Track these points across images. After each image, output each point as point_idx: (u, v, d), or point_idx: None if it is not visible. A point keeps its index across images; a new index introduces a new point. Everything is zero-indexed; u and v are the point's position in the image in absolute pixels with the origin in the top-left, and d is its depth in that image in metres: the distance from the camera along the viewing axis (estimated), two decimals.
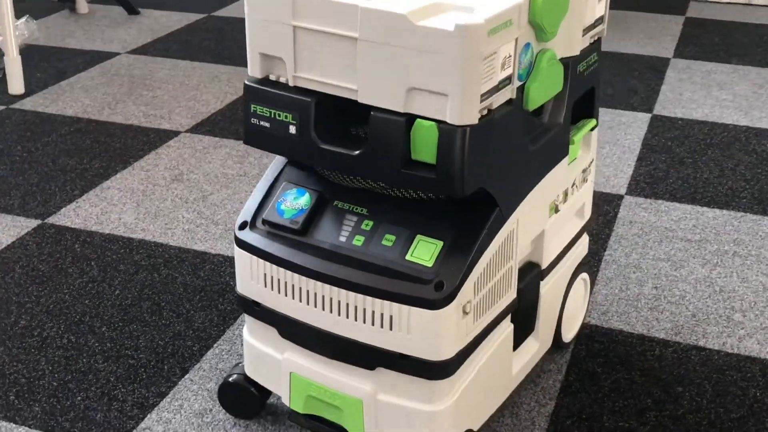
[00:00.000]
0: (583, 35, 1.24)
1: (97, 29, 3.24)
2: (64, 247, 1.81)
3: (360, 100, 1.07)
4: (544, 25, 1.10)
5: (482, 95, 1.02)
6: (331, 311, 1.14)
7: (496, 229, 1.13)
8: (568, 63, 1.22)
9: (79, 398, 1.38)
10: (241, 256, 1.21)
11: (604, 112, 2.47)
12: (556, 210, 1.30)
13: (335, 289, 1.13)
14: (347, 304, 1.13)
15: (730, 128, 2.37)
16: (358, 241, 1.14)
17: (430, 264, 1.10)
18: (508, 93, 1.08)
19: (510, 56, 1.05)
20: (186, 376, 1.43)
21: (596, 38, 1.30)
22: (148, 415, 1.35)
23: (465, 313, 1.11)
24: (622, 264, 1.75)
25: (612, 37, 3.08)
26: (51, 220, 1.92)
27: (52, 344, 1.51)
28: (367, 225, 1.15)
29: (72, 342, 1.52)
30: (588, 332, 1.54)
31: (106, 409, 1.36)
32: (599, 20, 1.28)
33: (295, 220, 1.18)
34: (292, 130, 1.12)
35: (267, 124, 1.13)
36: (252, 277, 1.21)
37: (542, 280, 1.31)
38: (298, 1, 1.06)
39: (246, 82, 1.14)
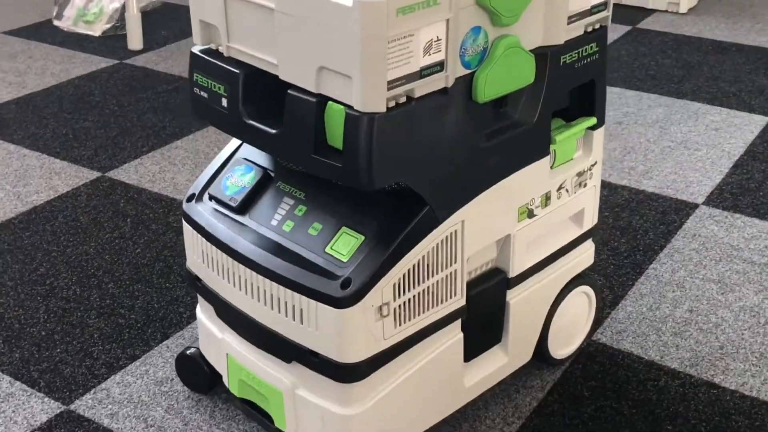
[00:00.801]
0: (570, 22, 1.10)
1: None
2: (110, 201, 1.86)
3: (280, 76, 1.00)
4: (495, 8, 0.98)
5: (392, 81, 0.92)
6: (253, 297, 1.09)
7: (425, 230, 1.03)
8: (547, 53, 1.09)
9: (57, 350, 1.41)
10: (186, 230, 1.18)
11: (716, 111, 2.23)
12: (530, 215, 1.17)
13: (257, 275, 1.07)
14: (265, 292, 1.07)
15: None
16: (288, 226, 1.08)
17: (345, 259, 1.02)
18: (441, 81, 0.97)
19: (438, 39, 0.95)
20: (164, 342, 1.43)
21: (596, 27, 1.15)
22: (112, 377, 1.36)
23: (382, 315, 1.03)
24: (664, 281, 1.57)
25: (750, 28, 2.78)
26: (110, 173, 1.97)
27: (57, 295, 1.55)
28: (301, 210, 1.09)
29: (76, 295, 1.55)
30: (592, 351, 1.40)
31: (77, 365, 1.38)
32: (599, 6, 1.13)
33: (235, 197, 1.13)
34: (224, 102, 1.06)
35: (205, 95, 1.09)
36: (194, 253, 1.18)
37: (510, 288, 1.19)
38: None
39: (191, 50, 1.11)
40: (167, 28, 2.92)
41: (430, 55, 0.94)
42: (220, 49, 1.07)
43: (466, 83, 1.01)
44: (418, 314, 1.07)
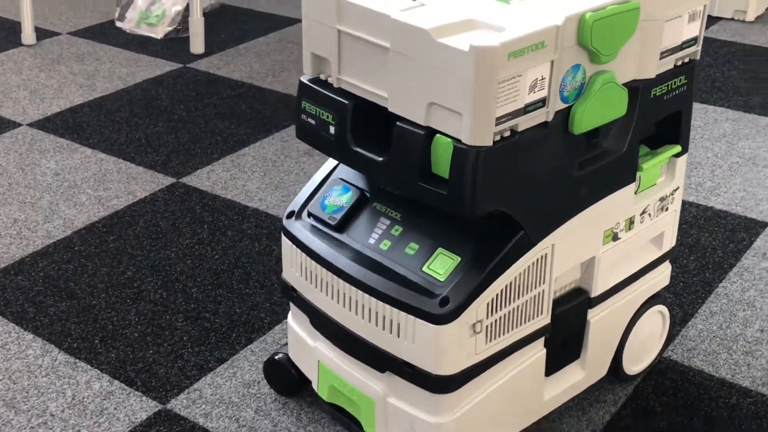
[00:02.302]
0: (662, 57, 1.19)
1: None
2: (186, 207, 1.98)
3: (389, 109, 1.10)
4: (596, 47, 1.08)
5: (500, 118, 1.02)
6: (350, 309, 1.20)
7: (519, 252, 1.13)
8: (638, 87, 1.18)
9: (150, 352, 1.53)
10: (285, 244, 1.29)
11: None
12: (615, 238, 1.26)
13: (355, 289, 1.18)
14: (363, 306, 1.18)
15: None
16: (385, 245, 1.19)
17: (442, 278, 1.12)
18: (542, 116, 1.07)
19: (543, 78, 1.05)
20: (249, 346, 1.54)
21: (685, 60, 1.24)
22: (203, 378, 1.47)
23: (475, 332, 1.13)
24: (734, 299, 1.65)
25: None
26: (184, 180, 2.10)
27: (146, 298, 1.67)
28: (397, 230, 1.19)
29: (163, 298, 1.67)
30: (663, 367, 1.49)
31: (170, 366, 1.50)
32: (690, 42, 1.23)
33: (334, 216, 1.24)
34: (332, 129, 1.17)
35: (313, 122, 1.20)
36: (292, 265, 1.29)
37: (591, 308, 1.29)
38: (343, 7, 1.11)
39: (300, 80, 1.21)
40: (226, 30, 3.04)
41: (534, 92, 1.04)
42: (329, 79, 1.18)
43: (564, 116, 1.11)
44: (508, 331, 1.17)
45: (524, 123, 1.06)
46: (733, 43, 2.83)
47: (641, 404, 1.41)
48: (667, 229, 1.36)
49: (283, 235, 1.30)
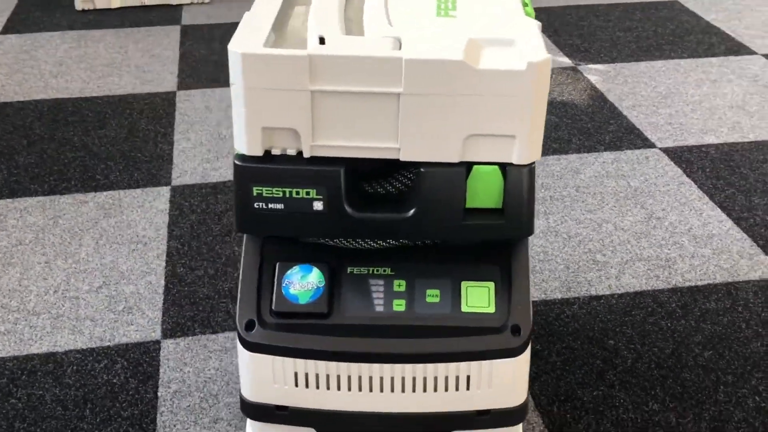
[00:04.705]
0: None
1: None
2: None
3: (402, 159, 0.99)
4: None
5: None
6: (392, 390, 1.07)
7: (525, 249, 1.13)
8: None
9: None
10: (255, 360, 1.07)
11: None
12: None
13: (391, 366, 1.05)
14: (414, 378, 1.06)
15: None
16: (399, 306, 1.07)
17: (492, 310, 1.07)
18: None
19: None
20: None
21: None
22: None
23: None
24: None
25: None
26: None
27: None
28: (400, 285, 1.08)
29: None
30: None
31: None
32: None
33: (317, 302, 1.06)
34: (318, 206, 1.00)
35: (280, 206, 1.00)
36: (275, 380, 1.07)
37: None
38: (317, 63, 0.93)
39: (239, 163, 0.99)
40: None
41: None
42: (288, 152, 0.98)
43: None
44: None
45: None
46: None
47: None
48: None
49: (248, 352, 1.06)
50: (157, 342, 1.55)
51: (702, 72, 2.56)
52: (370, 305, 1.08)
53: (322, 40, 0.97)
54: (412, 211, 1.01)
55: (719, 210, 1.92)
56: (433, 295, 1.08)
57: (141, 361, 1.51)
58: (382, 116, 0.96)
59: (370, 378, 1.07)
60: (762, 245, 1.81)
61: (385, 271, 1.09)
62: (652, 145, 2.18)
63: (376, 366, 1.06)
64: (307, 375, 1.07)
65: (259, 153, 0.99)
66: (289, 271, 1.09)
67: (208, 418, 1.39)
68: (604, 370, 1.50)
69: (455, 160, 0.99)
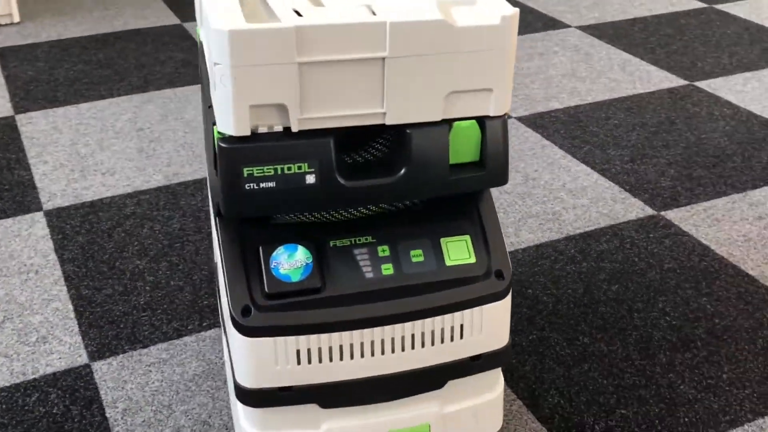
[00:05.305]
0: None
1: None
2: None
3: (388, 122, 1.02)
4: None
5: None
6: (392, 351, 1.10)
7: (490, 199, 1.19)
8: None
9: None
10: (255, 345, 1.06)
11: None
12: None
13: (391, 327, 1.08)
14: (411, 335, 1.09)
15: None
16: (387, 270, 1.10)
17: (473, 260, 1.12)
18: None
19: None
20: None
21: None
22: None
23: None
24: None
25: None
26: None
27: None
28: (384, 251, 1.11)
29: None
30: None
31: None
32: None
33: (309, 278, 1.07)
34: (310, 179, 1.01)
35: (272, 184, 1.00)
36: (277, 362, 1.07)
37: None
38: (305, 35, 0.94)
39: (225, 145, 0.98)
40: None
41: None
42: (275, 128, 0.99)
43: None
44: None
45: None
46: None
47: None
48: None
49: (249, 338, 1.05)
50: (87, 365, 1.47)
51: (529, 47, 2.75)
52: (359, 273, 1.10)
53: (297, 13, 0.98)
54: (401, 173, 1.04)
55: (583, 165, 2.09)
56: (417, 255, 1.12)
57: (76, 387, 1.43)
58: (368, 82, 0.99)
59: (372, 342, 1.09)
60: (629, 189, 1.98)
61: (367, 239, 1.12)
62: (508, 117, 2.32)
63: (377, 330, 1.08)
64: (309, 351, 1.07)
65: (247, 133, 0.98)
66: (274, 253, 1.08)
67: (169, 428, 1.35)
68: (531, 316, 1.59)
69: (438, 118, 1.03)
